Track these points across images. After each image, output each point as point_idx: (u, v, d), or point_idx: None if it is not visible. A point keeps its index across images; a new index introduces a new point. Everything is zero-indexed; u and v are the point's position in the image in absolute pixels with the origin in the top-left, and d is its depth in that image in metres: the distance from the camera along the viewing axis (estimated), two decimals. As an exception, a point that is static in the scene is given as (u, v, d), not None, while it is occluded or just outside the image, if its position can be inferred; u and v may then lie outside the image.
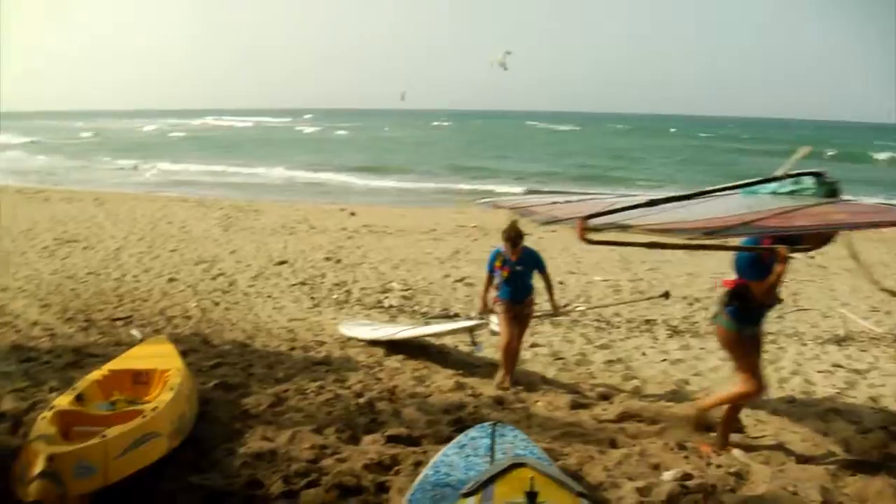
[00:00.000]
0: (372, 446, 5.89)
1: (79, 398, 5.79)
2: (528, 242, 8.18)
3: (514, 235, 7.94)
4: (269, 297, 12.52)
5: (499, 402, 7.54)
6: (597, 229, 4.23)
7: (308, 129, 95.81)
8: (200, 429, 6.09)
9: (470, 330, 8.95)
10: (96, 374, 6.37)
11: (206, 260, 15.33)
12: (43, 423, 5.14)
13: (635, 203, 4.51)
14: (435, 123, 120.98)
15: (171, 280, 13.51)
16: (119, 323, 10.56)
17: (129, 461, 4.81)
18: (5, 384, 7.31)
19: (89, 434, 5.02)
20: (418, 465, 5.29)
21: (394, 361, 9.06)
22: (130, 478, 4.82)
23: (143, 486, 4.98)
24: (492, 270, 8.16)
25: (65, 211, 22.21)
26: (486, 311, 8.49)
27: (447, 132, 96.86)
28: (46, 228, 18.89)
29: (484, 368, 8.89)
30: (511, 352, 8.27)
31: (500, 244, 8.07)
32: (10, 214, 20.88)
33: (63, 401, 5.65)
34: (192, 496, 5.02)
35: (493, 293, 8.30)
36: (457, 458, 4.73)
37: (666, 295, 9.29)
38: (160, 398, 5.78)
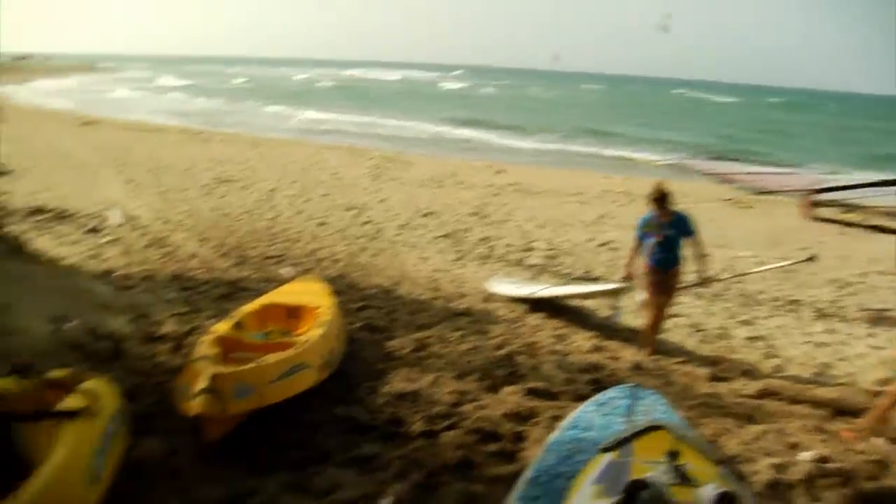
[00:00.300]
0: (511, 397, 6.00)
1: (237, 326, 6.11)
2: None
3: (660, 196, 7.80)
4: (414, 246, 12.75)
5: (637, 368, 7.51)
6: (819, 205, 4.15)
7: (454, 86, 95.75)
8: (347, 366, 6.32)
9: (612, 294, 8.90)
10: (252, 306, 6.71)
11: (355, 206, 15.70)
12: (205, 345, 5.47)
13: (860, 182, 4.37)
14: (584, 86, 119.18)
15: (321, 224, 13.91)
16: (270, 261, 10.97)
17: (282, 388, 5.06)
18: (168, 309, 7.75)
19: (245, 359, 5.31)
20: (556, 419, 5.32)
21: (534, 319, 9.12)
22: (279, 405, 5.08)
23: (290, 414, 5.24)
24: (641, 237, 8.03)
25: (222, 152, 23.06)
26: (629, 277, 8.39)
27: (596, 96, 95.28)
28: (206, 168, 19.69)
29: (623, 333, 8.84)
30: (655, 320, 8.20)
31: (649, 210, 7.94)
32: (174, 153, 21.87)
33: (223, 327, 5.98)
34: (337, 427, 5.28)
35: (639, 261, 8.20)
36: (595, 415, 4.76)
37: (811, 259, 8.86)
38: (311, 333, 6.03)
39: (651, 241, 7.91)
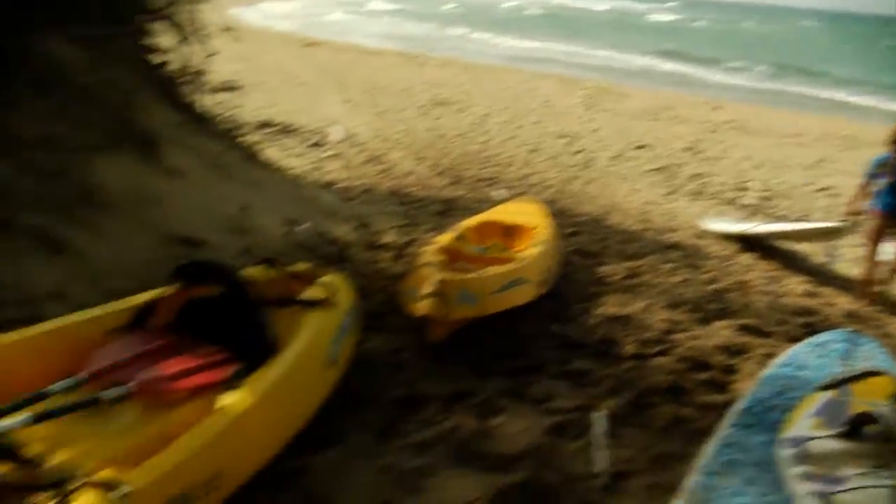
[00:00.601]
0: (722, 331, 5.97)
1: (459, 238, 6.36)
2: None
3: None
4: (626, 178, 12.65)
5: (852, 316, 7.26)
6: None
7: (665, 18, 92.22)
8: (560, 286, 6.46)
9: (831, 234, 8.60)
10: (472, 221, 6.94)
11: (567, 135, 15.66)
12: (429, 253, 5.74)
13: None
14: (803, 23, 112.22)
15: (533, 150, 13.99)
16: (483, 183, 11.20)
17: (501, 299, 5.27)
18: (387, 221, 8.11)
19: (467, 270, 5.54)
20: (768, 356, 5.26)
21: (747, 258, 8.95)
22: (497, 315, 5.29)
23: (506, 326, 5.44)
24: (872, 176, 7.67)
25: (437, 76, 23.40)
26: (850, 216, 8.08)
27: (815, 33, 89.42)
28: (421, 90, 20.07)
29: (838, 280, 8.55)
30: (878, 270, 7.86)
31: (886, 151, 7.58)
32: (391, 75, 22.40)
33: (446, 238, 6.25)
34: (550, 342, 5.47)
35: (865, 204, 7.85)
36: (810, 356, 4.68)
37: None
38: (529, 251, 6.20)
39: (882, 182, 7.55)
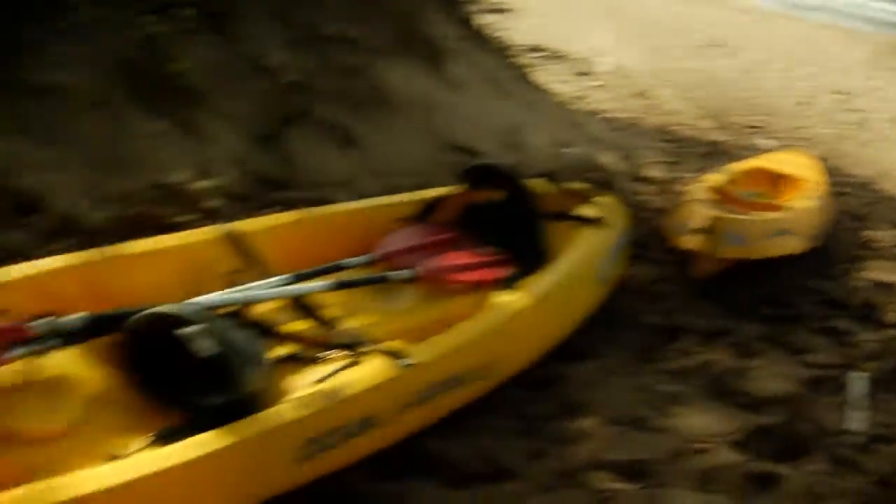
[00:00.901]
0: None
1: (729, 181, 6.29)
2: None
3: None
4: (903, 144, 11.89)
5: None
6: None
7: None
8: (825, 244, 6.26)
9: None
10: (742, 165, 6.83)
11: (843, 91, 14.73)
12: (699, 190, 5.73)
13: None
14: None
15: (804, 104, 13.33)
16: (749, 131, 10.86)
17: (770, 245, 5.23)
18: (654, 155, 8.12)
19: (734, 212, 5.50)
20: None
21: None
22: (760, 262, 5.24)
23: (768, 274, 5.38)
24: None
25: (713, 16, 22.54)
26: None
27: None
28: (695, 30, 19.43)
29: None
30: None
31: None
32: (665, 11, 21.83)
33: (715, 178, 6.19)
34: (810, 297, 5.40)
35: None
36: None
37: None
38: (799, 203, 6.04)
39: None
